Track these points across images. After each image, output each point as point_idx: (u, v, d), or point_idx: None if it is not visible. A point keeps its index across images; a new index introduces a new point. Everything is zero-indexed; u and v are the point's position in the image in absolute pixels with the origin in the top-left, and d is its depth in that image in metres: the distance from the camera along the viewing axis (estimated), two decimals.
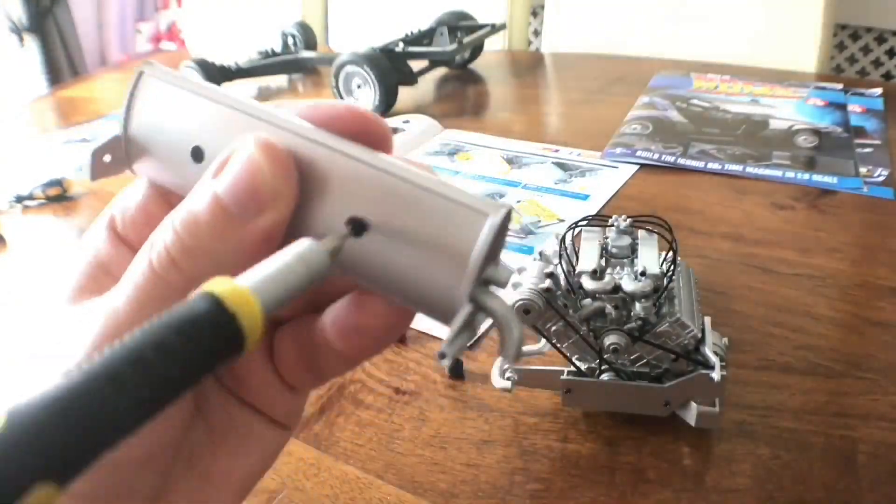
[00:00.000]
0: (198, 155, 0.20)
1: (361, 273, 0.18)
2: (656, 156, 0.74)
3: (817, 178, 0.68)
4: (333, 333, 0.20)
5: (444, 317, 0.18)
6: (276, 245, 0.18)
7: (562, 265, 0.38)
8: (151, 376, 0.12)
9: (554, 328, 0.38)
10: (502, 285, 0.18)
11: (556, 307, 0.36)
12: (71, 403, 0.12)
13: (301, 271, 0.15)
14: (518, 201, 0.68)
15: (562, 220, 0.64)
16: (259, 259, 0.16)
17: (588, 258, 0.38)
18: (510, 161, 0.77)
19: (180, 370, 0.13)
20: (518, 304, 0.36)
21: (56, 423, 0.12)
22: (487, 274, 0.18)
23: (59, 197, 0.78)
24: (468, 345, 0.18)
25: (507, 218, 0.17)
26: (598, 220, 0.41)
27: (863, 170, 0.68)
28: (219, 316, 0.13)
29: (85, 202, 0.77)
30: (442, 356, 0.17)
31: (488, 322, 0.22)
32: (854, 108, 0.83)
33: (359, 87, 0.92)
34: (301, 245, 0.16)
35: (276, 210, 0.18)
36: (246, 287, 0.14)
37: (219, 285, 0.14)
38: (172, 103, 0.20)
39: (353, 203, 0.18)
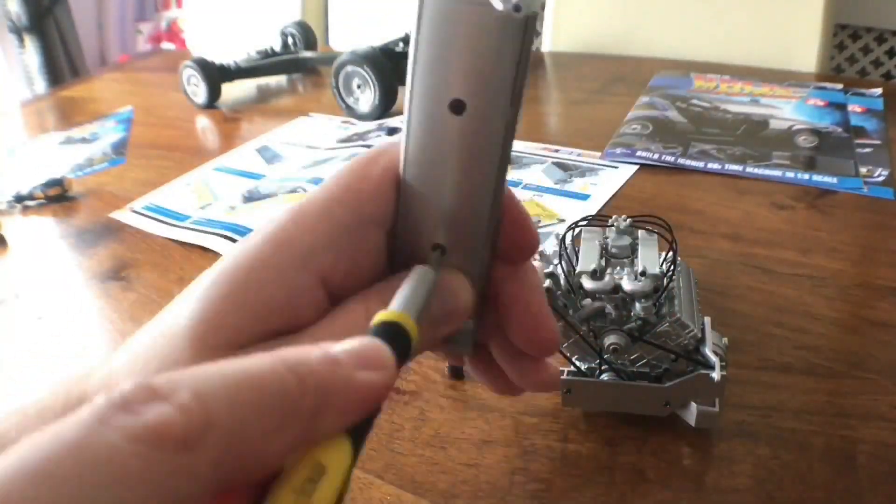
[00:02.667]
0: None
1: None
2: (656, 156, 0.74)
3: (817, 178, 0.68)
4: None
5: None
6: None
7: (562, 265, 0.38)
8: None
9: None
10: None
11: (555, 307, 0.36)
12: None
13: (426, 287, 0.22)
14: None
15: (562, 220, 0.64)
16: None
17: (588, 258, 0.38)
18: (510, 161, 0.76)
19: None
20: None
21: None
22: None
23: (59, 197, 0.78)
24: None
25: None
26: (598, 220, 0.41)
27: (863, 170, 0.68)
28: (402, 333, 0.20)
29: (85, 202, 0.77)
30: None
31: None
32: (854, 108, 0.83)
33: (358, 86, 0.92)
34: (419, 272, 0.23)
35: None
36: (407, 313, 0.20)
37: (391, 315, 0.20)
38: None
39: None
